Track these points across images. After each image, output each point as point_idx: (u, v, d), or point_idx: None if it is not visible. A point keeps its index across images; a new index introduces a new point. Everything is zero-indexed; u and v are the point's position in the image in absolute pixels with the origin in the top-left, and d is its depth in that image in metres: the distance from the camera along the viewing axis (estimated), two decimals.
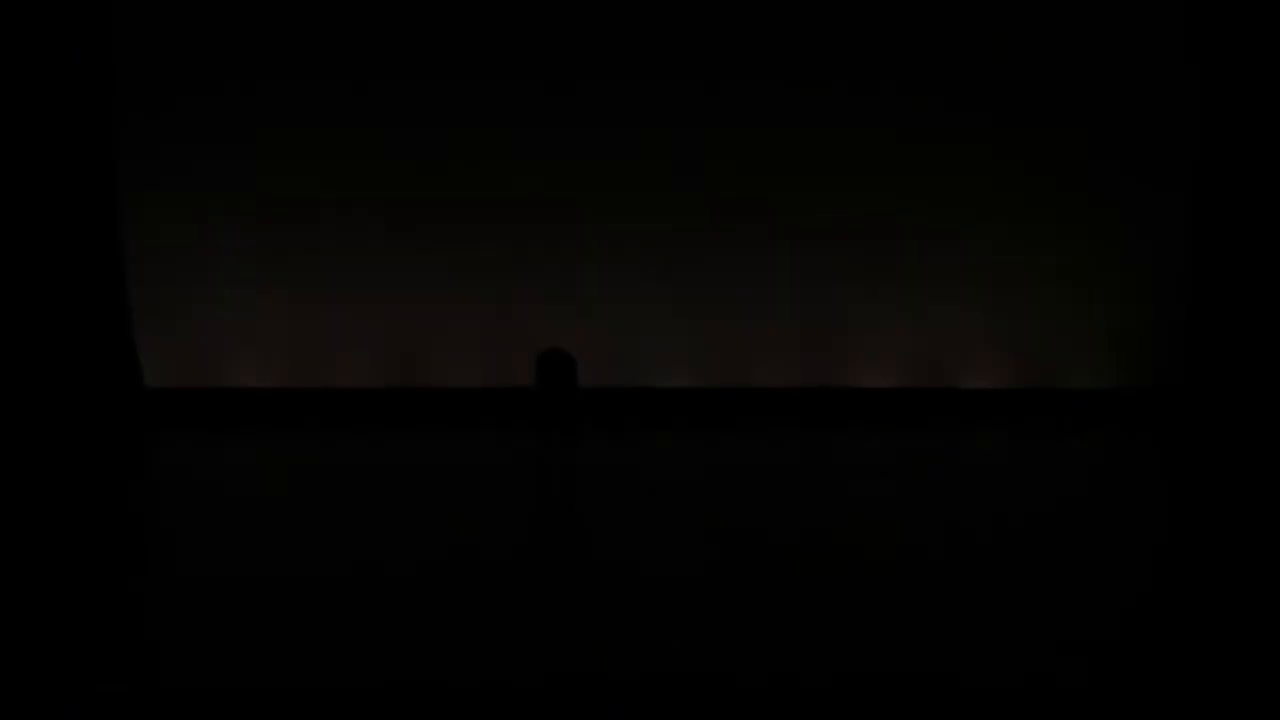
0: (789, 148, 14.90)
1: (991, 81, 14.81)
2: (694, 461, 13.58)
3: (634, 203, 15.00)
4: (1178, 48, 14.48)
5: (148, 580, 9.20)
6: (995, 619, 7.98)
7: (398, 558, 9.42)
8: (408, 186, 15.00)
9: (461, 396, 15.13)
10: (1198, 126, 14.28)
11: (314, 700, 6.77)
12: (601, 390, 13.87)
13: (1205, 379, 14.07)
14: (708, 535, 10.01)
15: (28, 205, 12.10)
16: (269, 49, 14.81)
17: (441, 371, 15.23)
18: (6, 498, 11.09)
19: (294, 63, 14.83)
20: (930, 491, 11.72)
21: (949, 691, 6.86)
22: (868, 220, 14.98)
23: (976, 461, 13.45)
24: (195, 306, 15.07)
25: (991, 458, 13.60)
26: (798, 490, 12.07)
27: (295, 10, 14.80)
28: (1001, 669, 7.13)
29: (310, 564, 9.22)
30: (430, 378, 15.22)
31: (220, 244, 14.94)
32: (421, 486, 12.09)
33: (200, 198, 14.93)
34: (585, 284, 15.08)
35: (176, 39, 14.76)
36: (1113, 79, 14.74)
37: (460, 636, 7.71)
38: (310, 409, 15.00)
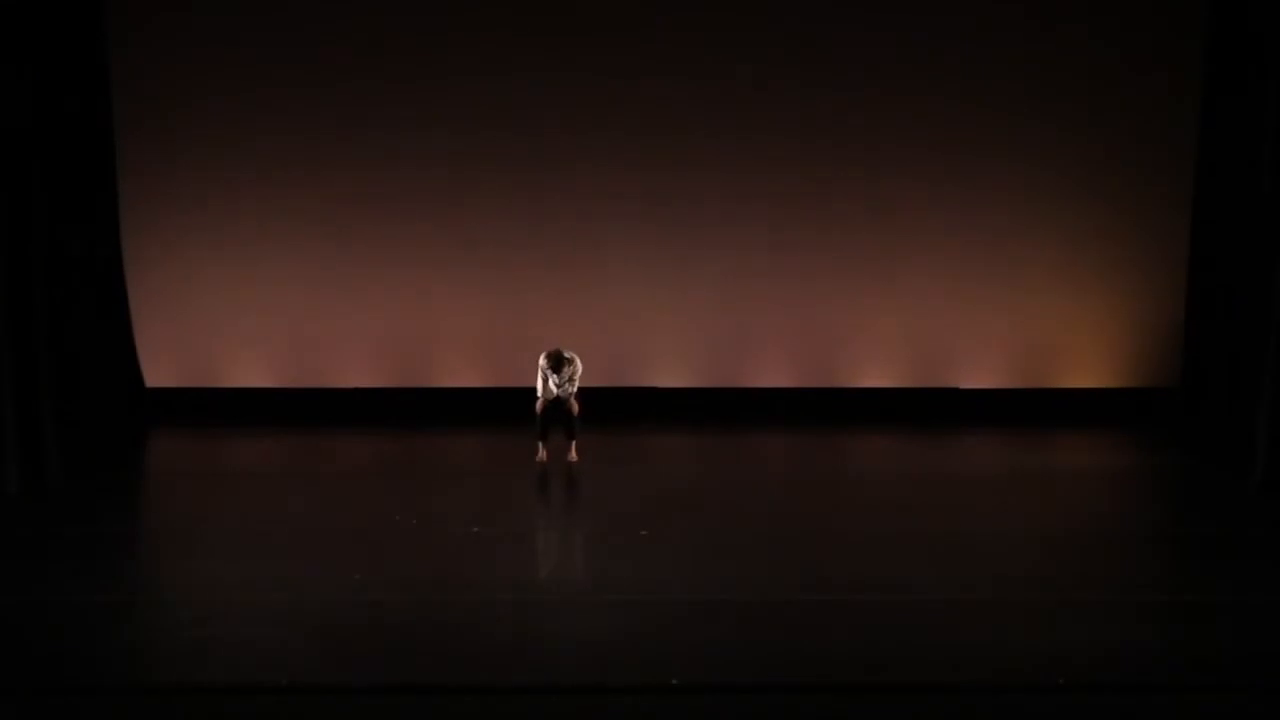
0: (789, 149, 14.88)
1: (993, 85, 14.79)
2: (690, 461, 13.59)
3: (634, 204, 14.99)
4: (1180, 53, 14.45)
5: (146, 580, 9.22)
6: (993, 619, 7.98)
7: (395, 556, 9.44)
8: (407, 189, 14.98)
9: (461, 396, 15.12)
10: (1198, 130, 14.24)
11: (314, 701, 6.77)
12: (602, 390, 13.85)
13: (1202, 380, 14.02)
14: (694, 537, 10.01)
15: (28, 210, 12.07)
16: (269, 53, 14.80)
17: (441, 372, 15.23)
18: (10, 496, 11.09)
19: (294, 66, 14.81)
20: (930, 491, 11.72)
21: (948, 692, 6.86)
22: (868, 221, 14.96)
23: (976, 461, 13.44)
24: (196, 307, 15.08)
25: (990, 458, 13.60)
26: (796, 490, 12.09)
27: (295, 16, 14.80)
28: (1004, 669, 7.13)
29: (308, 564, 9.23)
30: (430, 378, 15.22)
31: (220, 246, 14.95)
32: (420, 485, 12.10)
33: (200, 201, 14.93)
34: (586, 285, 15.08)
35: (176, 44, 14.74)
36: (1115, 83, 14.73)
37: (459, 641, 7.71)
38: (310, 409, 15.00)
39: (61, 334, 12.54)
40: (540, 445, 12.43)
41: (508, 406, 13.98)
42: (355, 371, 15.22)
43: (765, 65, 14.80)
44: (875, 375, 15.16)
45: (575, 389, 12.31)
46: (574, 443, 12.42)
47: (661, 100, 14.86)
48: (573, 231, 15.02)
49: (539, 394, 12.34)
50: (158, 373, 15.13)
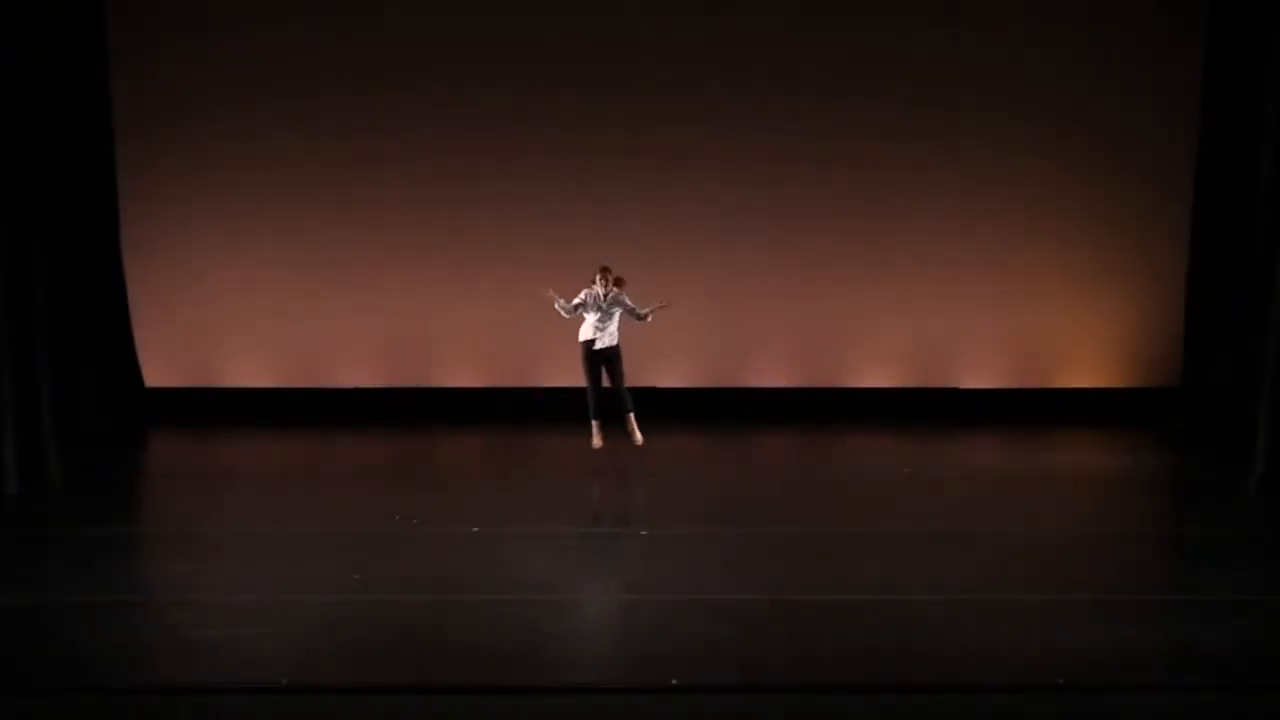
0: (789, 150, 14.89)
1: (995, 85, 14.80)
2: (690, 461, 13.59)
3: (634, 205, 14.99)
4: (1180, 54, 14.45)
5: (146, 580, 9.22)
6: (993, 621, 7.98)
7: (395, 554, 9.45)
8: (408, 190, 14.98)
9: (461, 396, 15.11)
10: (1198, 130, 14.23)
11: (314, 701, 6.77)
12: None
13: (1202, 380, 14.02)
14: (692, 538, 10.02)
15: (28, 211, 12.12)
16: (270, 54, 14.79)
17: (441, 372, 15.22)
18: (10, 496, 11.09)
19: (295, 68, 14.82)
20: (930, 491, 11.72)
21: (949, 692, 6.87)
22: (869, 222, 14.97)
23: (976, 461, 13.43)
24: (195, 307, 15.07)
25: (990, 458, 13.59)
26: (798, 490, 12.09)
27: (296, 20, 14.80)
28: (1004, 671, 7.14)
29: (309, 564, 9.23)
30: (430, 378, 15.21)
31: (220, 246, 14.95)
32: (420, 485, 12.10)
33: (200, 201, 14.93)
34: (586, 286, 15.04)
35: (177, 46, 14.75)
36: (1115, 83, 14.73)
37: (460, 641, 7.71)
38: (310, 409, 15.00)
39: (61, 334, 12.53)
40: (595, 427, 12.09)
41: (508, 406, 13.97)
42: (355, 371, 15.22)
43: (766, 66, 14.80)
44: (875, 375, 15.16)
45: (642, 309, 11.74)
46: (632, 414, 11.89)
47: (662, 101, 14.86)
48: (573, 232, 15.00)
49: (561, 309, 11.80)
50: (158, 373, 15.12)
